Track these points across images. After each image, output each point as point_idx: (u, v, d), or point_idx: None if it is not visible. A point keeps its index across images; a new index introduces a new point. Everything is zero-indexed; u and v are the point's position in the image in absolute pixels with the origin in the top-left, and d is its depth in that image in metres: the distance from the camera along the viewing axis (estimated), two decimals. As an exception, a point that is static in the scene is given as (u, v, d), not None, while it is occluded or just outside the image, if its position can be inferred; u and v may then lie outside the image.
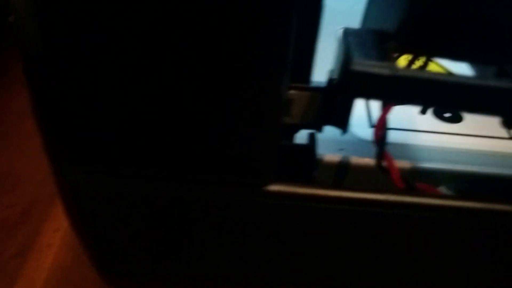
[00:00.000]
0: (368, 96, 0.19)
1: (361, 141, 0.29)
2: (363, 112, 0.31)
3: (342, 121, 0.24)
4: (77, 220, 0.24)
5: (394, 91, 0.19)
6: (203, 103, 0.19)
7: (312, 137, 0.25)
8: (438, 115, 0.31)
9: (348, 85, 0.19)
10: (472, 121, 0.31)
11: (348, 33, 0.20)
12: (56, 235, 0.40)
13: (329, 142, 0.29)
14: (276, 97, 0.19)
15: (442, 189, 0.26)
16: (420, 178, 0.27)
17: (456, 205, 0.22)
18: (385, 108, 0.23)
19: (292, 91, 0.23)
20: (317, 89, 0.23)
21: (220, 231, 0.24)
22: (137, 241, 0.25)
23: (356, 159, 0.28)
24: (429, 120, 0.31)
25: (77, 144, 0.21)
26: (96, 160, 0.21)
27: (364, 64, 0.18)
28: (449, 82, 0.18)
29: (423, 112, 0.31)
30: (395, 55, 0.19)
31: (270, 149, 0.21)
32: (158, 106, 0.19)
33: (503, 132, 0.30)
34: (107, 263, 0.26)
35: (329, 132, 0.25)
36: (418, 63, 0.22)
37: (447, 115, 0.31)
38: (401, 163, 0.27)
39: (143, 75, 0.18)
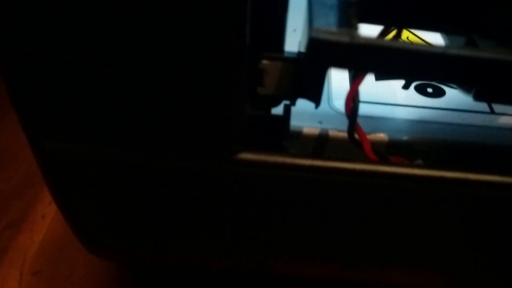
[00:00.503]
0: (329, 64, 0.19)
1: (341, 115, 0.29)
2: (346, 86, 0.31)
3: (314, 94, 0.24)
4: (54, 190, 0.25)
5: (355, 59, 0.19)
6: (166, 70, 0.19)
7: (287, 108, 0.26)
8: (420, 90, 0.31)
9: (309, 53, 0.19)
10: (454, 96, 0.31)
11: (313, 1, 0.20)
12: (50, 207, 0.41)
13: (308, 115, 0.29)
14: (238, 63, 0.19)
15: (419, 163, 0.26)
16: (397, 151, 0.27)
17: (425, 174, 0.22)
18: (356, 80, 0.23)
19: (264, 61, 0.23)
20: (290, 59, 0.23)
21: (193, 202, 0.25)
22: (112, 212, 0.25)
23: (333, 132, 0.28)
24: (411, 95, 0.31)
25: (48, 112, 0.21)
26: (68, 128, 0.22)
27: (323, 31, 0.18)
28: (409, 50, 0.18)
29: (406, 87, 0.31)
30: (357, 23, 0.19)
31: (238, 118, 0.22)
32: (122, 71, 0.19)
33: (484, 107, 0.30)
34: (86, 234, 0.27)
35: (309, 105, 0.25)
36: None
37: (429, 90, 0.31)
38: (377, 136, 0.27)
39: (109, 41, 0.19)
